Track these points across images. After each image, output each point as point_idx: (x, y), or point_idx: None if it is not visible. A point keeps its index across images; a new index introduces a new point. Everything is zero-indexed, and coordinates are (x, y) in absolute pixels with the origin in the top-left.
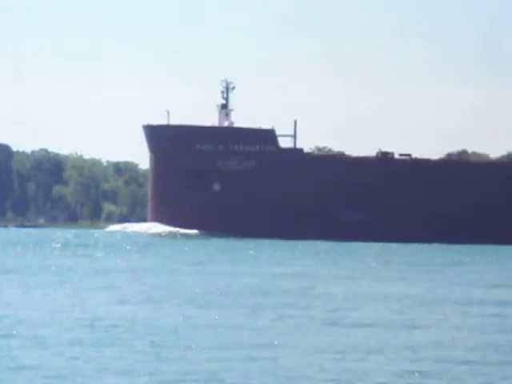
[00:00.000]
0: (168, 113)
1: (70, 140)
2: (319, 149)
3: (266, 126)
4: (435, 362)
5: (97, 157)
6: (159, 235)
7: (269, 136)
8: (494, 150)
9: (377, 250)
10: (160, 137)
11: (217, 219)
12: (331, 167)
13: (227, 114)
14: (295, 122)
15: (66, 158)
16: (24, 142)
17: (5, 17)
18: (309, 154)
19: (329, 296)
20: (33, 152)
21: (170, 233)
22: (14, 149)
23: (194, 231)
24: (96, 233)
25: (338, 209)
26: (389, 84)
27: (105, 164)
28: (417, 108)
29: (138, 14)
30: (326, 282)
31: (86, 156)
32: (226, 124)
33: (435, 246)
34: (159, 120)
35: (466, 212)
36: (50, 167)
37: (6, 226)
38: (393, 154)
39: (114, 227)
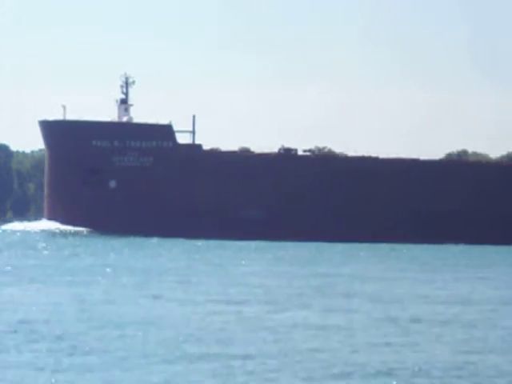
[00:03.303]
0: (64, 108)
1: None
2: (319, 149)
3: (163, 121)
4: None
5: None
6: (41, 233)
7: (166, 132)
8: (494, 150)
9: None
10: (55, 132)
11: (111, 217)
12: (230, 164)
13: (126, 109)
14: (193, 118)
15: None
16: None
17: None
18: (208, 151)
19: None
20: (32, 152)
21: (57, 231)
22: (14, 149)
23: (84, 229)
24: None
25: (236, 207)
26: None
27: None
28: (415, 109)
29: (42, 10)
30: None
31: None
32: (125, 119)
33: (335, 245)
34: (57, 115)
35: (372, 208)
36: None
37: None
38: (296, 150)
39: (13, 225)
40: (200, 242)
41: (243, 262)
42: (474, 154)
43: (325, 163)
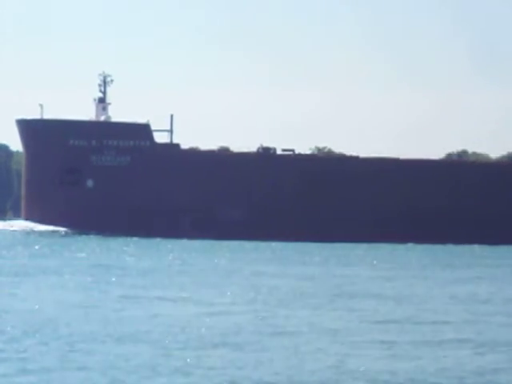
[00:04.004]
0: (41, 106)
1: None
2: (319, 149)
3: (141, 120)
4: None
5: None
6: (17, 233)
7: (143, 131)
8: (494, 150)
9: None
10: (33, 131)
11: (88, 217)
12: (208, 163)
13: (104, 108)
14: (171, 117)
15: None
16: None
17: None
18: (185, 150)
19: None
20: None
21: (34, 230)
22: (14, 149)
23: (62, 229)
24: None
25: (214, 206)
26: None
27: None
28: (414, 109)
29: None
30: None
31: None
32: (102, 118)
33: (314, 245)
34: (34, 114)
35: (353, 208)
36: None
37: None
38: (275, 149)
39: None
40: (178, 242)
41: (222, 261)
42: (474, 154)
43: (304, 163)
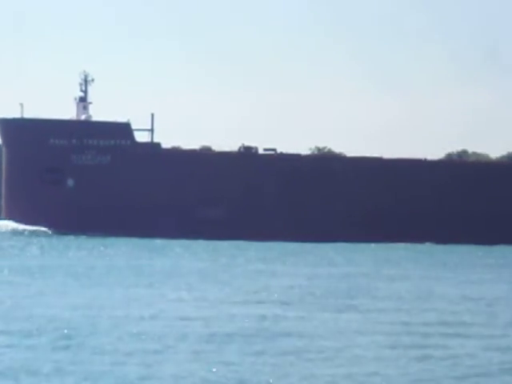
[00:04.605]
0: (22, 105)
1: None
2: (319, 149)
3: (122, 119)
4: None
5: None
6: None
7: (124, 130)
8: (494, 150)
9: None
10: (13, 130)
11: (69, 216)
12: (189, 162)
13: (85, 107)
14: (152, 116)
15: None
16: None
17: None
18: (166, 149)
19: None
20: None
21: (14, 230)
22: None
23: (43, 229)
24: None
25: (195, 206)
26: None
27: None
28: (415, 110)
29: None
30: None
31: None
32: (83, 117)
33: (297, 245)
34: (15, 113)
35: (334, 207)
36: None
37: None
38: (256, 148)
39: None
40: (159, 241)
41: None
42: (474, 154)
43: (285, 162)
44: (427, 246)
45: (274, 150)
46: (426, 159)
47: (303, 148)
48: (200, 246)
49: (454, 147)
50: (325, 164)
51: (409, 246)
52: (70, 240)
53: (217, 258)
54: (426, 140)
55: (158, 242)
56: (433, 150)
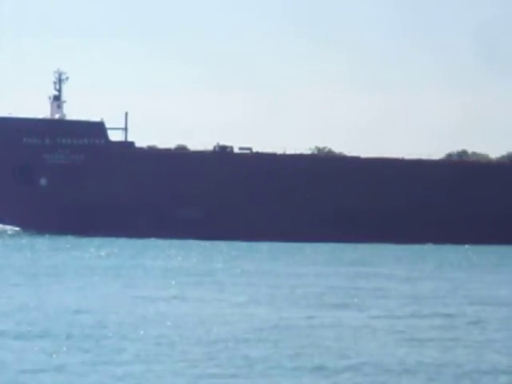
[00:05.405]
0: None
1: None
2: (319, 149)
3: (97, 118)
4: None
5: None
6: None
7: (97, 129)
8: (494, 150)
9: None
10: None
11: (42, 216)
12: (164, 161)
13: (59, 106)
14: (126, 115)
15: None
16: None
17: None
18: (140, 148)
19: None
20: None
21: None
22: None
23: (15, 228)
24: None
25: (171, 205)
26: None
27: None
28: (416, 109)
29: None
30: None
31: None
32: (57, 116)
33: (274, 245)
34: None
35: (310, 207)
36: None
37: None
38: (232, 147)
39: None
40: (134, 241)
41: (179, 259)
42: (474, 154)
43: (261, 161)
44: (428, 247)
45: (249, 149)
46: (426, 159)
47: (301, 148)
48: (174, 245)
49: (454, 147)
50: (300, 163)
51: (408, 246)
52: (44, 240)
53: (188, 259)
54: (426, 140)
55: (133, 241)
56: (433, 150)
